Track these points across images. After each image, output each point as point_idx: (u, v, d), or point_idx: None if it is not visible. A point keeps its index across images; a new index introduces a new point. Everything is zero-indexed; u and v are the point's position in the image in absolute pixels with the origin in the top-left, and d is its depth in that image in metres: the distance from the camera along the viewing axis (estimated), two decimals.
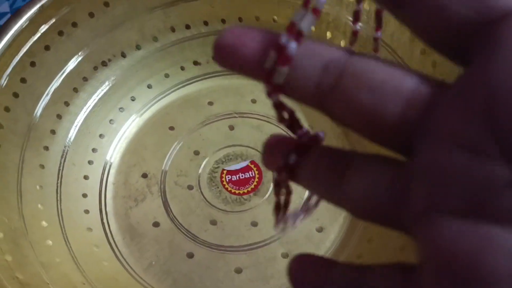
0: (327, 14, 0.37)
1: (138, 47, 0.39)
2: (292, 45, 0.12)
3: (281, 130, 0.39)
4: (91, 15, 0.35)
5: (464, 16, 0.11)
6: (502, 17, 0.10)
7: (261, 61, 0.12)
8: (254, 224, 0.35)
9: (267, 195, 0.36)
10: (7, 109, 0.31)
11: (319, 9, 0.12)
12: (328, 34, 0.38)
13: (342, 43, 0.38)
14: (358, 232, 0.33)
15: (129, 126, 0.39)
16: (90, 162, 0.37)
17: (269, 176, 0.37)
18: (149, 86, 0.40)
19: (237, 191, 0.36)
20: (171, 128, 0.39)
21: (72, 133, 0.36)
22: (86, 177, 0.36)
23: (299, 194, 0.36)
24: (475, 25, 0.11)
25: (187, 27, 0.40)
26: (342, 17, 0.37)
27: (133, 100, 0.40)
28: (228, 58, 0.13)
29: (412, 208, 0.12)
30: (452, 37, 0.11)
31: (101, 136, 0.38)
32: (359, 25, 0.16)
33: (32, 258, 0.28)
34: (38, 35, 0.33)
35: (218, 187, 0.36)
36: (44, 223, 0.31)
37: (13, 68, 0.32)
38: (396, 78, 0.12)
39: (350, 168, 0.13)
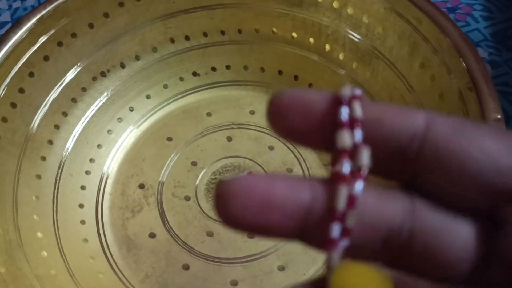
0: (326, 27, 0.37)
1: (137, 58, 0.39)
2: (358, 187, 0.11)
3: (280, 142, 0.39)
4: (91, 26, 0.36)
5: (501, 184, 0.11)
6: None
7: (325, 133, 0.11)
8: (251, 235, 0.35)
9: None
10: (4, 120, 0.31)
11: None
12: (327, 47, 0.38)
13: (341, 56, 0.38)
14: None
15: (127, 136, 0.39)
16: (87, 172, 0.37)
17: None
18: (148, 97, 0.40)
19: None
20: (169, 139, 0.39)
21: (70, 143, 0.36)
22: (83, 187, 0.36)
23: None
24: None
25: (187, 38, 0.40)
26: (341, 30, 0.37)
27: (131, 110, 0.40)
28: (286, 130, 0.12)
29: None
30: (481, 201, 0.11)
31: (99, 146, 0.38)
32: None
33: (27, 270, 0.27)
34: (37, 45, 0.33)
35: None
36: (39, 234, 0.31)
37: (11, 79, 0.32)
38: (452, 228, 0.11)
39: None
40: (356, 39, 0.36)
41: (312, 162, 0.37)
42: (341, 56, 0.38)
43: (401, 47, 0.34)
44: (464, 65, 0.29)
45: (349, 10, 0.36)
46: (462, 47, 0.29)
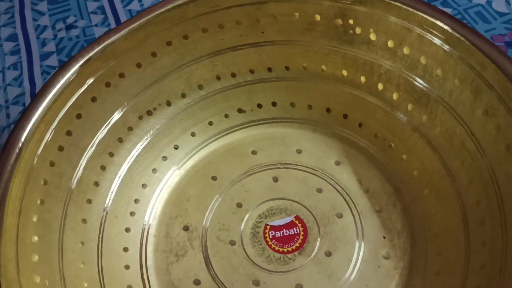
0: (379, 66, 0.36)
1: (183, 96, 0.38)
2: None
3: (329, 184, 0.37)
4: (139, 65, 0.35)
5: None
6: None
7: None
8: (299, 287, 0.33)
9: (312, 255, 0.34)
10: (52, 164, 0.31)
11: None
12: (380, 86, 0.36)
13: (395, 96, 0.36)
14: None
15: (172, 175, 0.39)
16: (132, 214, 0.36)
17: (314, 233, 0.35)
18: (193, 134, 0.40)
19: (281, 249, 0.35)
20: (214, 178, 0.38)
21: (116, 184, 0.35)
22: (127, 230, 0.35)
23: (346, 255, 0.34)
24: None
25: (233, 75, 0.39)
26: (396, 70, 0.35)
27: (176, 148, 0.39)
28: None
29: None
30: None
31: (143, 186, 0.37)
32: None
33: None
34: (85, 87, 0.33)
35: (261, 244, 0.35)
36: (84, 284, 0.30)
37: (59, 121, 0.31)
38: None
39: None
40: (412, 80, 0.34)
41: (364, 207, 0.36)
42: (395, 97, 0.36)
43: (462, 92, 0.32)
44: None
45: (405, 50, 0.34)
46: None
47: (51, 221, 0.30)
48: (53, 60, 0.48)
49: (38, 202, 0.29)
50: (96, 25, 0.51)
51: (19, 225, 0.28)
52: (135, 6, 0.52)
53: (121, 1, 0.53)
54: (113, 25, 0.51)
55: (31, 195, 0.29)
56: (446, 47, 0.32)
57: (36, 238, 0.28)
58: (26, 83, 0.47)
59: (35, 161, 0.30)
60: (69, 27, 0.51)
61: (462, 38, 0.30)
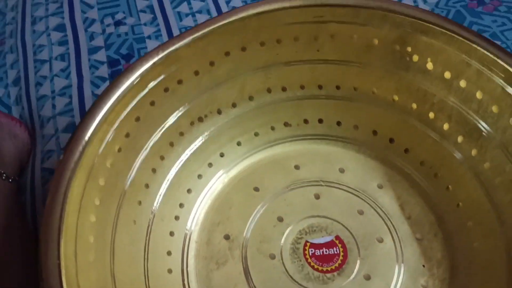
0: (432, 95, 0.36)
1: (234, 105, 0.39)
2: None
3: (370, 207, 0.37)
4: (196, 73, 0.36)
5: None
6: None
7: None
8: None
9: (352, 277, 0.35)
10: (111, 164, 0.31)
11: None
12: (431, 115, 0.37)
13: (446, 127, 0.36)
14: None
15: (216, 182, 0.39)
16: (176, 218, 0.37)
17: (354, 255, 0.35)
18: (239, 144, 0.40)
19: (320, 268, 0.35)
20: (256, 189, 0.39)
21: (164, 187, 0.36)
22: (171, 234, 0.36)
23: (386, 280, 0.34)
24: None
25: (283, 89, 0.40)
26: (449, 101, 0.35)
27: (222, 156, 0.40)
28: None
29: None
30: None
31: (189, 191, 0.38)
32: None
33: None
34: (146, 90, 0.33)
35: (300, 260, 0.35)
36: (132, 286, 0.31)
37: (119, 123, 0.32)
38: None
39: None
40: (465, 113, 0.35)
41: (405, 234, 0.36)
42: (445, 127, 0.36)
43: None
44: None
45: (462, 83, 0.34)
46: None
47: (106, 221, 0.31)
48: (101, 55, 0.49)
49: (96, 201, 0.30)
50: (145, 24, 0.51)
51: (78, 224, 0.28)
52: (184, 8, 0.53)
53: (170, 2, 0.53)
54: (161, 25, 0.51)
55: (90, 194, 0.30)
56: (505, 86, 0.32)
57: (92, 238, 0.29)
58: (74, 75, 0.48)
59: (96, 160, 0.30)
60: (117, 23, 0.52)
61: None
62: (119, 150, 0.32)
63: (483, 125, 0.34)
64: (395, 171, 0.39)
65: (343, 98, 0.40)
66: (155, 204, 0.35)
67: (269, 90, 0.39)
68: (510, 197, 0.32)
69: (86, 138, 0.30)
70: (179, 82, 0.35)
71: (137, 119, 0.33)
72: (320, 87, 0.40)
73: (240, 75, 0.38)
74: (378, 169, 0.39)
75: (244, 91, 0.39)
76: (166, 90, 0.35)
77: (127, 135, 0.33)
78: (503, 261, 0.32)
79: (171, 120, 0.36)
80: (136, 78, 0.32)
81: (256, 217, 0.38)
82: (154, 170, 0.35)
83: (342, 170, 0.40)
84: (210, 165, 0.39)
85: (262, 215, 0.38)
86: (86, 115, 0.31)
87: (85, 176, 0.29)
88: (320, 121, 0.41)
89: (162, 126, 0.35)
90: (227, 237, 0.37)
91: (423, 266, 0.35)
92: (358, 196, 0.38)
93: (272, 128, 0.41)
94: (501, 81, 0.32)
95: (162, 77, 0.34)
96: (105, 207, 0.31)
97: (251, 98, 0.39)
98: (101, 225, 0.30)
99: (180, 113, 0.36)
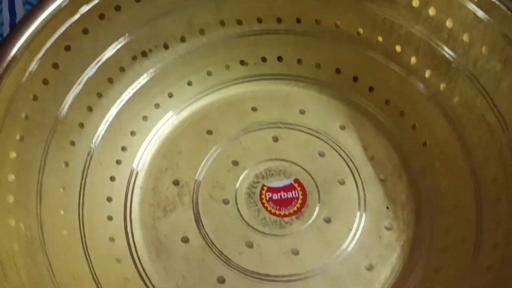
0: (399, 26, 0.33)
1: (182, 40, 0.35)
2: None
3: (332, 149, 0.35)
4: None
5: None
6: None
7: None
8: (295, 252, 0.31)
9: (311, 220, 0.32)
10: (35, 98, 0.28)
11: None
12: (398, 48, 0.34)
13: (413, 60, 0.33)
14: (413, 279, 0.30)
15: (163, 125, 0.36)
16: (118, 162, 0.33)
17: (314, 198, 0.33)
18: (189, 83, 0.37)
19: (277, 212, 0.32)
20: (209, 132, 0.36)
21: (102, 128, 0.32)
22: (112, 178, 0.32)
23: (347, 223, 0.32)
24: None
25: (239, 22, 0.36)
26: (417, 32, 0.32)
27: (170, 96, 0.36)
28: None
29: None
30: None
31: (132, 133, 0.34)
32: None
33: (49, 276, 0.24)
34: (77, 16, 0.29)
35: (257, 205, 0.33)
36: (64, 232, 0.27)
37: (46, 51, 0.28)
38: None
39: None
40: (433, 44, 0.32)
41: (367, 175, 0.34)
42: (412, 61, 0.33)
43: (488, 61, 0.29)
44: None
45: (431, 11, 0.31)
46: None
47: (30, 160, 0.27)
48: None
49: (17, 137, 0.26)
50: None
51: None
52: None
53: None
54: None
55: (10, 129, 0.26)
56: (477, 11, 0.29)
57: (12, 176, 0.25)
58: (6, 13, 0.43)
59: (16, 92, 0.26)
60: None
61: (498, 3, 0.28)
62: (46, 82, 0.28)
63: (452, 56, 0.31)
64: (358, 112, 0.36)
65: (304, 33, 0.36)
66: (91, 145, 0.31)
67: (222, 23, 0.36)
68: (480, 133, 0.30)
69: (4, 65, 0.26)
70: (117, 8, 0.31)
71: (68, 48, 0.29)
72: (279, 20, 0.36)
73: (189, 5, 0.34)
74: (341, 110, 0.37)
75: (194, 24, 0.35)
76: (101, 17, 0.30)
77: (55, 66, 0.29)
78: (473, 203, 0.30)
79: (109, 52, 0.32)
80: (65, 0, 0.28)
81: (208, 161, 0.34)
82: (90, 108, 0.31)
83: (302, 112, 0.37)
84: (157, 106, 0.35)
85: (215, 159, 0.35)
86: (4, 40, 0.27)
87: (3, 110, 0.26)
88: (280, 59, 0.38)
89: (99, 59, 0.31)
90: (176, 183, 0.33)
91: (387, 208, 0.32)
92: (319, 138, 0.35)
93: (227, 67, 0.37)
94: (474, 6, 0.29)
95: (96, 1, 0.30)
96: (29, 145, 0.27)
97: (202, 32, 0.35)
98: (23, 164, 0.26)
99: (119, 45, 0.32)
